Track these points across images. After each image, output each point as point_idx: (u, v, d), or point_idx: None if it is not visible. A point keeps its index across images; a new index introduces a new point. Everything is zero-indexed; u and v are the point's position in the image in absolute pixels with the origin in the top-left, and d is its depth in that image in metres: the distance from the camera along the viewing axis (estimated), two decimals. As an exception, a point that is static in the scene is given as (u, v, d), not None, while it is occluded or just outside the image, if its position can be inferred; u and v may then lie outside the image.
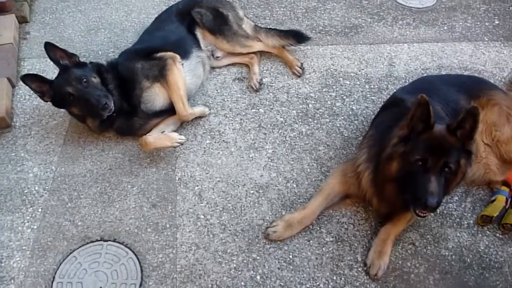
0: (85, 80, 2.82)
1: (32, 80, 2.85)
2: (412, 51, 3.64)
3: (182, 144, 2.87)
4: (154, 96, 2.98)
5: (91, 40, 3.69)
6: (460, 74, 3.39)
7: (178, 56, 3.10)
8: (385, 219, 2.59)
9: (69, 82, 2.82)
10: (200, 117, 3.14)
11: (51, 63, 3.42)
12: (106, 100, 2.78)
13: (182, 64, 3.12)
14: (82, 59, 3.43)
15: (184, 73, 3.11)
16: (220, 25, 3.38)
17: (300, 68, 3.41)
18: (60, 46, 2.95)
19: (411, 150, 2.21)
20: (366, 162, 2.54)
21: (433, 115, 2.17)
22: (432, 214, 2.52)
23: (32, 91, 2.92)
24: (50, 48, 2.90)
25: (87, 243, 2.56)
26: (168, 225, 2.62)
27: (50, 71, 3.43)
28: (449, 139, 2.20)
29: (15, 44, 3.53)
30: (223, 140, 3.02)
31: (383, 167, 2.35)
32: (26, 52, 3.59)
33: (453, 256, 2.52)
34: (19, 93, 3.30)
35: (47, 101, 2.92)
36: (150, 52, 3.10)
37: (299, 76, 3.40)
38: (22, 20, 3.79)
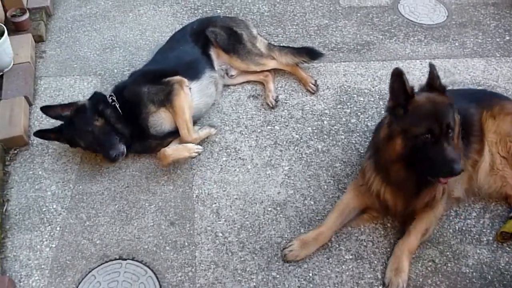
0: (90, 129, 2.87)
1: (43, 133, 2.99)
2: (424, 67, 3.65)
3: (199, 154, 2.91)
4: (161, 121, 3.00)
5: (107, 58, 3.73)
6: (471, 88, 3.41)
7: (185, 81, 3.10)
8: (406, 219, 2.57)
9: (76, 133, 2.90)
10: (216, 135, 3.15)
11: (68, 81, 3.51)
12: (115, 153, 2.84)
13: (190, 89, 3.11)
14: (97, 78, 3.52)
15: (192, 96, 3.11)
16: (234, 44, 3.41)
17: (314, 85, 3.43)
18: (55, 104, 3.10)
19: (411, 124, 2.20)
20: (370, 164, 2.55)
21: (409, 85, 2.23)
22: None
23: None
24: (48, 110, 2.97)
25: (106, 262, 2.56)
26: (186, 243, 2.62)
27: (66, 89, 3.49)
28: (437, 99, 2.23)
29: (32, 63, 3.57)
30: (240, 157, 3.03)
31: (385, 149, 2.35)
32: (43, 71, 3.63)
33: (474, 273, 2.49)
34: (36, 111, 3.32)
35: (65, 143, 3.03)
36: (159, 75, 3.12)
37: (313, 93, 3.42)
38: (39, 39, 3.84)
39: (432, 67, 2.30)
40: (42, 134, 2.99)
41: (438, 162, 2.15)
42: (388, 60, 3.72)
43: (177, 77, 3.08)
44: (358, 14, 4.14)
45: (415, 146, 2.21)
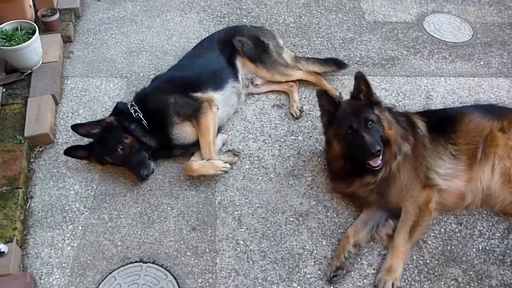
0: (120, 147, 2.86)
1: (73, 150, 2.96)
2: (449, 84, 3.65)
3: (226, 172, 2.89)
4: (185, 134, 3.01)
5: (133, 61, 3.77)
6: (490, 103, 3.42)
7: (215, 100, 3.12)
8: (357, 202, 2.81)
9: (106, 151, 2.90)
10: (240, 142, 3.16)
11: (94, 82, 3.55)
12: (145, 172, 2.84)
13: (218, 108, 3.12)
14: (123, 80, 3.55)
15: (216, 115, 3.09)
16: (261, 54, 3.43)
17: (338, 97, 3.43)
18: (84, 122, 3.05)
19: (338, 126, 2.64)
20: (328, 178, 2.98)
21: (336, 96, 2.87)
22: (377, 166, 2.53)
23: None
24: (78, 127, 2.95)
25: (127, 264, 2.56)
26: (207, 250, 2.61)
27: (92, 90, 3.52)
28: (357, 103, 2.65)
29: (59, 62, 3.61)
30: (262, 166, 3.03)
31: (327, 152, 2.82)
32: (70, 71, 3.67)
33: (497, 295, 2.46)
34: (62, 110, 3.36)
35: (93, 162, 3.03)
36: (185, 85, 3.12)
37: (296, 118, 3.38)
38: (67, 40, 3.89)
39: (357, 79, 2.65)
40: (72, 153, 2.95)
41: (361, 149, 2.50)
42: (412, 76, 3.71)
43: (208, 95, 3.11)
44: (383, 29, 4.15)
45: (346, 142, 2.61)
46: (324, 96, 2.70)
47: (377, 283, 2.44)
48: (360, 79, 2.63)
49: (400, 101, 3.49)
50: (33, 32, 3.35)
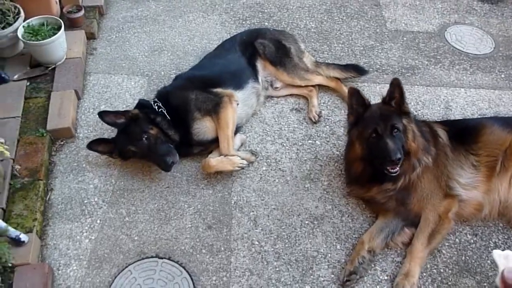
0: (145, 136, 2.87)
1: (96, 144, 2.95)
2: (469, 96, 3.63)
3: (243, 168, 2.91)
4: (205, 129, 3.04)
5: (155, 60, 3.82)
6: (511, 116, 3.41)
7: (235, 95, 3.16)
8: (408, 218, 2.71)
9: (131, 141, 2.89)
10: (258, 144, 3.19)
11: (116, 79, 3.60)
12: (171, 160, 2.84)
13: (238, 104, 3.15)
14: (145, 78, 3.60)
15: (236, 110, 3.13)
16: (282, 57, 3.46)
17: (319, 115, 3.42)
18: (111, 110, 3.12)
19: (363, 128, 2.64)
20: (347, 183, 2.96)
21: (367, 98, 2.69)
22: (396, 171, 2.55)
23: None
24: (104, 115, 2.96)
25: (143, 259, 2.59)
26: (222, 248, 2.64)
27: (114, 87, 3.57)
28: (387, 108, 2.64)
29: (83, 58, 3.68)
30: (279, 169, 3.05)
31: (348, 153, 2.82)
32: (92, 67, 3.74)
33: (511, 309, 2.44)
34: (83, 105, 3.42)
35: (116, 158, 3.01)
36: (205, 82, 3.17)
37: (314, 123, 3.39)
38: (91, 36, 3.95)
39: (392, 85, 2.62)
40: (95, 146, 2.95)
41: (382, 154, 2.51)
42: (432, 86, 3.70)
43: (228, 91, 3.14)
44: (404, 38, 4.15)
45: (368, 145, 2.62)
46: (355, 96, 2.67)
47: (395, 287, 2.45)
48: (396, 85, 2.61)
49: (419, 110, 3.48)
50: (59, 28, 3.42)
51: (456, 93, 3.66)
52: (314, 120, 3.33)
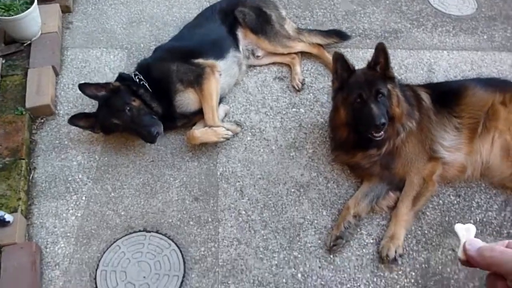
0: (128, 108, 2.82)
1: (78, 118, 2.88)
2: (451, 58, 3.63)
3: (228, 139, 2.90)
4: (188, 101, 3.00)
5: (133, 32, 3.73)
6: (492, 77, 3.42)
7: (218, 66, 3.12)
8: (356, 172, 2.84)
9: (113, 113, 2.83)
10: (241, 114, 3.16)
11: (94, 53, 3.52)
12: (156, 130, 2.79)
13: (220, 74, 3.12)
14: (124, 51, 3.53)
15: (219, 81, 3.10)
16: (263, 25, 3.39)
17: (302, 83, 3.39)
18: (91, 82, 3.00)
19: (348, 93, 2.62)
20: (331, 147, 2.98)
21: (351, 63, 2.65)
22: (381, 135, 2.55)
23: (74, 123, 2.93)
24: (85, 87, 2.89)
25: (130, 233, 2.60)
26: (210, 219, 2.65)
27: (93, 61, 3.49)
28: (371, 74, 2.62)
29: (59, 33, 3.57)
30: (264, 138, 3.04)
31: (333, 119, 2.80)
32: (69, 42, 3.64)
33: (493, 265, 2.51)
34: (62, 81, 3.34)
35: (98, 133, 2.96)
36: (186, 53, 3.11)
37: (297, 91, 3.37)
38: (66, 10, 3.83)
39: (377, 50, 2.58)
40: (76, 121, 2.87)
41: (366, 119, 2.51)
42: (415, 49, 3.68)
43: (210, 61, 3.09)
44: (387, 2, 4.09)
45: (352, 111, 2.61)
46: (339, 61, 2.64)
47: (381, 250, 2.50)
48: (381, 50, 2.58)
49: (402, 74, 3.47)
50: (31, 2, 3.30)
51: (439, 55, 3.65)
52: (297, 88, 3.30)
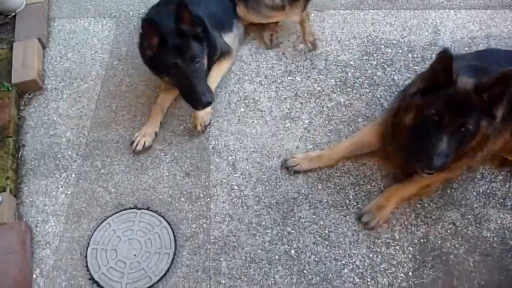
0: (198, 63, 2.58)
1: (150, 26, 2.47)
2: (458, 18, 3.41)
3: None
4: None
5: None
6: None
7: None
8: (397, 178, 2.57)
9: (182, 55, 2.51)
10: (235, 84, 3.04)
11: (82, 23, 3.37)
12: (208, 100, 2.57)
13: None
14: (112, 20, 3.39)
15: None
16: None
17: (312, 43, 3.21)
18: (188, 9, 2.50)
19: (429, 102, 2.09)
20: (388, 115, 2.50)
21: (456, 71, 2.02)
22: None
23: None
24: (183, 8, 2.47)
25: (121, 210, 2.54)
26: (201, 195, 2.58)
27: (81, 32, 3.37)
28: (473, 98, 2.03)
29: (44, 3, 3.43)
30: (258, 109, 2.92)
31: (400, 116, 2.27)
32: (56, 12, 3.49)
33: (495, 238, 2.42)
34: (49, 54, 3.23)
35: (145, 58, 2.63)
36: (215, 24, 2.93)
37: (310, 51, 3.21)
38: (52, -22, 3.67)
39: (497, 77, 1.97)
40: (149, 24, 2.45)
41: (426, 148, 2.07)
42: (420, 9, 3.47)
43: (230, 43, 3.06)
44: (390, -43, 3.84)
45: (422, 124, 2.13)
46: (445, 61, 2.02)
47: (363, 214, 2.46)
48: (503, 79, 1.95)
49: (405, 36, 3.28)
50: (13, -29, 3.15)
51: (446, 15, 3.43)
52: (310, 48, 3.20)
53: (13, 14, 3.27)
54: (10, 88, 2.91)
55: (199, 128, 2.79)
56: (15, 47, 3.10)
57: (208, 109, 2.78)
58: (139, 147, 2.72)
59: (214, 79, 2.90)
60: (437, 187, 2.55)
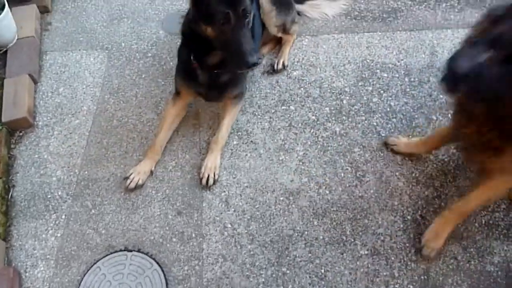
0: (247, 18, 2.29)
1: None
2: (456, 37, 3.32)
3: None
4: None
5: (114, 30, 3.52)
6: None
7: None
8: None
9: (235, 5, 2.22)
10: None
11: (74, 56, 3.36)
12: (255, 61, 2.27)
13: None
14: (104, 52, 3.35)
15: None
16: None
17: (282, 65, 3.16)
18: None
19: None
20: None
21: None
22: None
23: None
24: None
25: (111, 253, 2.48)
26: (194, 235, 2.51)
27: (72, 65, 3.32)
28: None
29: (36, 36, 3.40)
30: (251, 141, 2.85)
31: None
32: (48, 45, 3.46)
33: (499, 272, 2.33)
34: (41, 89, 3.19)
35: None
36: None
37: (272, 72, 3.18)
38: (44, 10, 3.64)
39: None
40: None
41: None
42: (416, 30, 3.39)
43: None
44: (385, -24, 3.77)
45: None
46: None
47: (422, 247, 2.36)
48: None
49: (402, 59, 3.20)
50: (2, 7, 3.13)
51: (443, 35, 3.35)
52: (275, 68, 3.15)
53: (4, 49, 3.25)
54: (1, 127, 2.88)
55: (211, 181, 2.67)
56: (6, 84, 3.06)
57: (218, 159, 2.72)
58: (132, 185, 2.67)
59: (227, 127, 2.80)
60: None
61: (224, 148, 2.81)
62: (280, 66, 3.15)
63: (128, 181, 2.67)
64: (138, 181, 2.67)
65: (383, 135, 2.82)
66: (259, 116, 2.96)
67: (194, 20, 2.37)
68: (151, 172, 2.72)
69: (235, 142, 2.85)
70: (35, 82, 3.20)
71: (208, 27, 2.29)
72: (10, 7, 3.20)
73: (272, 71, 3.15)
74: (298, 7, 3.37)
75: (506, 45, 1.55)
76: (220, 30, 2.26)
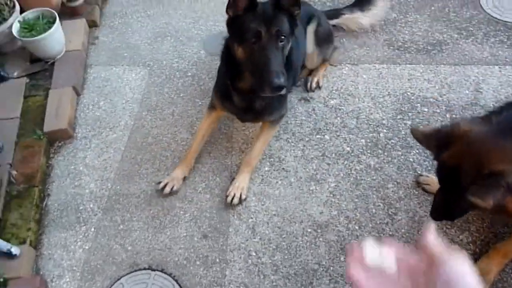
0: (282, 42, 2.21)
1: None
2: (504, 75, 3.19)
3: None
4: None
5: (157, 48, 3.61)
6: None
7: None
8: None
9: (269, 25, 2.16)
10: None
11: (116, 71, 3.44)
12: (281, 83, 2.16)
13: None
14: (146, 69, 3.42)
15: None
16: None
17: (316, 84, 3.18)
18: None
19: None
20: None
21: None
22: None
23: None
24: None
25: (135, 270, 2.49)
26: (217, 260, 2.49)
27: (114, 80, 3.41)
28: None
29: (83, 50, 3.53)
30: (283, 168, 2.82)
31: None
32: (94, 59, 3.58)
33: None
34: (83, 102, 3.29)
35: (228, 14, 2.27)
36: None
37: (308, 90, 3.19)
38: (92, 24, 3.79)
39: None
40: None
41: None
42: (461, 65, 3.28)
43: None
44: (432, 8, 3.69)
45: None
46: None
47: None
48: None
49: (444, 94, 3.10)
50: (54, 21, 3.26)
51: (489, 72, 3.23)
52: (308, 88, 3.17)
53: (52, 61, 3.38)
54: (42, 137, 2.98)
55: (235, 200, 2.65)
56: (51, 94, 3.18)
57: (247, 180, 2.73)
58: (167, 189, 2.70)
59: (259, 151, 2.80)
60: None
61: (255, 173, 2.79)
62: (314, 84, 3.15)
63: (162, 184, 2.72)
64: (173, 187, 2.70)
65: (419, 172, 2.72)
66: (292, 144, 2.93)
67: (229, 41, 2.39)
68: (184, 179, 2.76)
69: (266, 168, 2.83)
70: (78, 94, 3.31)
71: (240, 46, 2.27)
72: (61, 20, 3.34)
73: (306, 90, 3.14)
74: (334, 21, 3.38)
75: None
76: (250, 49, 2.22)
